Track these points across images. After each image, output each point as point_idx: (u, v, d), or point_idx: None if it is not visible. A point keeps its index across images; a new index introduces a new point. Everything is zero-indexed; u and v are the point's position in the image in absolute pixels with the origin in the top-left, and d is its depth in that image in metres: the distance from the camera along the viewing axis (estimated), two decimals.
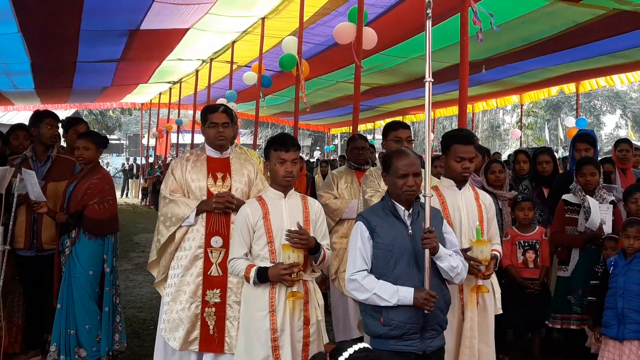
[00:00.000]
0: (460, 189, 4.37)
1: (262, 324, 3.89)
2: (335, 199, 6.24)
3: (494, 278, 4.46)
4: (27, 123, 6.55)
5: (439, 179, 4.81)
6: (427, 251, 3.59)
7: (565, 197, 5.85)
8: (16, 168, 5.50)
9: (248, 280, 3.93)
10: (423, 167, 3.82)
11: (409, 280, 3.58)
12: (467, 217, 4.31)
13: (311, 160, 27.94)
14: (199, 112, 18.01)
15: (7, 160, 5.78)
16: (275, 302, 3.90)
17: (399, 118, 22.40)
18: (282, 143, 4.02)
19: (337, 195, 6.26)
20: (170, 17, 10.29)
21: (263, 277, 3.86)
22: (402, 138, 5.07)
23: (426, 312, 3.51)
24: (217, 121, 4.78)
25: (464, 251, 4.05)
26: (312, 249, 3.90)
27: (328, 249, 4.07)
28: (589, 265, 5.58)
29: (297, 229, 3.86)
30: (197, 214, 4.68)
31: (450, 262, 3.66)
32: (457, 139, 4.33)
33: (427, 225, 3.63)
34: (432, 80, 3.88)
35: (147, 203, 25.13)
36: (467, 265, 3.90)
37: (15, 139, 6.34)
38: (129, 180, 32.01)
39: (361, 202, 5.33)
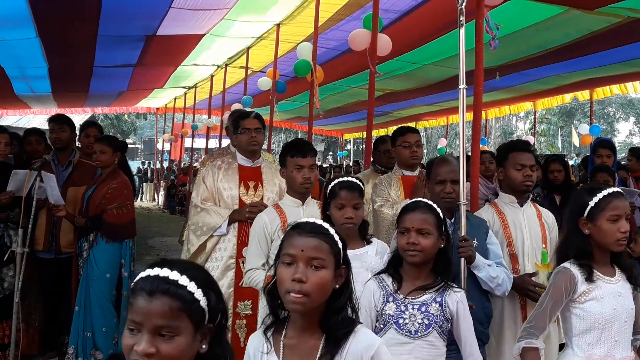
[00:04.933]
0: (522, 205, 4.09)
1: None
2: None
3: None
4: (43, 127, 6.63)
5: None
6: (463, 261, 3.52)
7: None
8: (37, 171, 5.58)
9: None
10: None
11: None
12: (530, 237, 4.03)
13: (324, 165, 27.96)
14: (218, 117, 18.23)
15: (28, 164, 5.87)
16: None
17: (411, 124, 22.42)
18: (298, 149, 3.92)
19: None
20: (187, 23, 10.36)
21: None
22: (411, 143, 4.93)
23: None
24: (249, 127, 4.71)
25: (529, 276, 3.88)
26: None
27: None
28: None
29: None
30: (229, 224, 4.61)
31: (489, 272, 3.56)
32: (515, 146, 4.14)
33: (463, 233, 3.57)
34: (466, 86, 3.87)
35: (162, 207, 25.23)
36: (512, 277, 3.72)
37: (28, 145, 6.42)
38: (144, 184, 32.14)
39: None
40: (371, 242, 3.49)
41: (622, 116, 50.16)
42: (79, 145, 6.75)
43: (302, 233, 2.20)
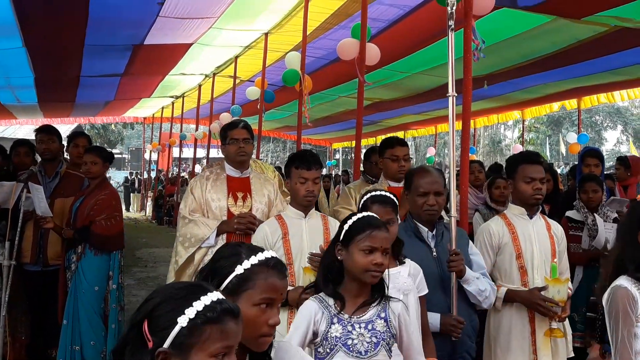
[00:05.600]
0: (531, 217, 4.03)
1: None
2: None
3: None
4: (29, 137, 6.56)
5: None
6: (453, 275, 3.45)
7: (568, 213, 5.86)
8: (24, 183, 5.52)
9: None
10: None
11: (435, 305, 3.41)
12: (539, 250, 3.97)
13: None
14: (206, 126, 18.18)
15: (14, 176, 5.79)
16: None
17: (400, 133, 22.44)
18: (303, 161, 3.87)
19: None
20: (174, 32, 10.34)
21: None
22: (399, 156, 4.89)
23: (453, 339, 3.36)
24: (237, 137, 4.68)
25: (538, 290, 3.82)
26: None
27: None
28: (592, 283, 5.56)
29: (320, 252, 3.69)
30: (218, 235, 4.56)
31: (478, 285, 3.52)
32: (524, 158, 4.08)
33: (453, 247, 3.50)
34: (456, 94, 3.85)
35: (150, 217, 25.12)
36: (496, 288, 3.69)
37: (17, 156, 6.37)
38: (131, 194, 31.99)
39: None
40: (404, 262, 3.31)
41: (609, 124, 50.43)
42: (67, 156, 6.70)
43: (279, 275, 2.15)
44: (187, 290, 1.76)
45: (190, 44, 11.54)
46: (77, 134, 6.83)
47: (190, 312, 1.69)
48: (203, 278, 2.16)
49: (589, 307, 5.43)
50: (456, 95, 3.90)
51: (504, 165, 5.97)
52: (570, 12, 8.31)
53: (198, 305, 1.70)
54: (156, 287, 1.86)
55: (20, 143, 6.53)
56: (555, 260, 3.94)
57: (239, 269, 2.12)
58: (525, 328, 3.90)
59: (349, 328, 2.79)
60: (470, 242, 3.81)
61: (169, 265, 4.93)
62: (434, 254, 3.57)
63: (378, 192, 3.40)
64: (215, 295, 1.75)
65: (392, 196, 3.39)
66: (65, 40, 10.46)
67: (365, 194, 3.44)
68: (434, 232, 3.63)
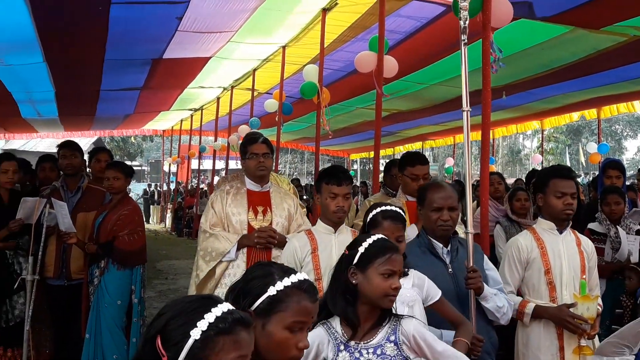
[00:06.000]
0: (561, 232, 3.94)
1: None
2: None
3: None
4: (50, 151, 6.63)
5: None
6: (472, 292, 3.41)
7: (590, 226, 5.81)
8: (46, 199, 5.57)
9: None
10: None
11: None
12: (569, 265, 3.87)
13: None
14: (224, 139, 18.26)
15: (38, 191, 5.86)
16: None
17: (418, 144, 22.38)
18: (334, 176, 3.87)
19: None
20: (193, 46, 10.40)
21: None
22: (419, 176, 4.75)
23: (473, 357, 3.27)
24: (257, 152, 4.69)
25: (567, 307, 3.74)
26: None
27: None
28: (616, 295, 5.50)
29: None
30: (238, 249, 4.57)
31: (496, 302, 3.48)
32: (556, 173, 3.97)
33: (471, 263, 3.46)
34: (470, 109, 3.82)
35: (170, 229, 25.22)
36: (513, 304, 3.64)
37: (42, 171, 6.45)
38: (150, 206, 32.17)
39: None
40: (407, 274, 3.23)
41: (629, 133, 50.08)
42: (89, 171, 6.77)
43: (311, 298, 2.15)
44: (198, 303, 1.77)
45: (209, 58, 11.60)
46: (99, 150, 6.90)
47: (202, 325, 1.69)
48: (234, 297, 2.15)
49: (613, 319, 5.37)
50: (470, 110, 3.86)
51: None
52: (589, 22, 8.27)
53: (209, 317, 1.71)
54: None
55: (45, 159, 6.62)
56: (584, 276, 3.87)
57: (272, 290, 2.11)
58: (553, 344, 3.84)
59: (357, 355, 2.70)
60: (485, 257, 3.77)
61: (189, 277, 4.96)
62: (450, 270, 3.53)
63: (389, 208, 3.35)
64: (225, 306, 1.76)
65: (402, 212, 3.36)
66: (85, 55, 10.55)
67: (374, 207, 3.39)
68: (448, 248, 3.60)
